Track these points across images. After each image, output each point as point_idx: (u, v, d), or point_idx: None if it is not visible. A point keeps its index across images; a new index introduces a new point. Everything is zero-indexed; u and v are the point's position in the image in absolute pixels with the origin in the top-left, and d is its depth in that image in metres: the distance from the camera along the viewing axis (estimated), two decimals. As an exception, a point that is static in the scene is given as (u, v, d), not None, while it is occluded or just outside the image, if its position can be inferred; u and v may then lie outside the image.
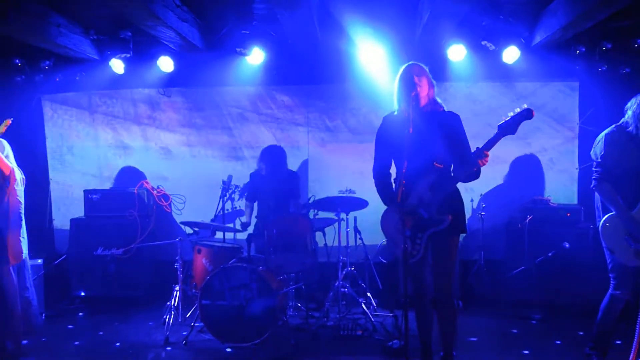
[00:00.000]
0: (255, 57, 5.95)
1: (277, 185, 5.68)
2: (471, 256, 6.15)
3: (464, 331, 4.83)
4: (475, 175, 3.52)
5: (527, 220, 5.58)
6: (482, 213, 5.89)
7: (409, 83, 3.57)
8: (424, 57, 5.77)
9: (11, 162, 4.23)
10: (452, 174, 3.53)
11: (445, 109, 3.70)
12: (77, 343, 4.87)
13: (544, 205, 5.83)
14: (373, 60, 5.88)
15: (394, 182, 3.77)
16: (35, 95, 6.86)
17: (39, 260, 5.68)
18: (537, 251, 5.52)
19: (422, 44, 5.70)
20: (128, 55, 6.00)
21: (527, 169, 6.34)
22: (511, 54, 5.75)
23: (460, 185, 3.61)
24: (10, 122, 4.11)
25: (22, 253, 4.28)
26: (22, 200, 4.28)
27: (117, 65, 6.09)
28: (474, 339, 4.75)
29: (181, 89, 6.71)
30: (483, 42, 5.71)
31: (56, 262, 6.00)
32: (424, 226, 3.55)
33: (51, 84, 6.66)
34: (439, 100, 3.70)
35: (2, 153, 4.14)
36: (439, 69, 5.25)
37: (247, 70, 6.25)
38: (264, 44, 5.88)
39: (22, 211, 4.30)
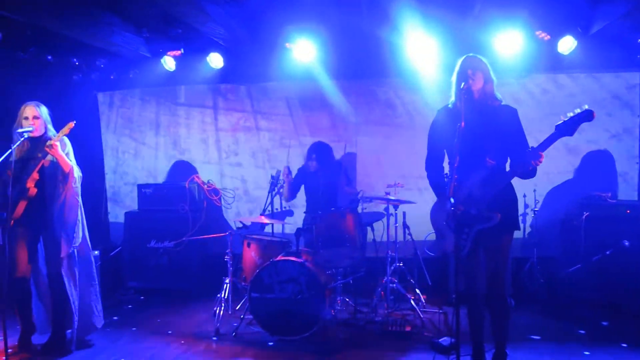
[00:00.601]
0: (304, 52, 5.95)
1: (325, 180, 5.68)
2: (524, 253, 5.98)
3: (523, 329, 4.73)
4: (532, 173, 3.42)
5: (584, 217, 5.37)
6: (535, 209, 5.72)
7: (461, 76, 3.51)
8: (475, 49, 5.70)
9: (71, 160, 4.38)
10: (507, 170, 3.44)
11: (503, 102, 3.60)
12: (134, 329, 5.05)
13: (602, 202, 5.59)
14: (422, 52, 5.79)
15: (447, 176, 3.71)
16: (91, 93, 7.13)
17: (96, 252, 5.87)
18: (594, 249, 5.31)
19: (473, 35, 5.56)
20: (179, 53, 6.11)
21: (598, 165, 6.09)
22: (566, 44, 5.54)
23: (513, 180, 3.52)
24: (74, 124, 4.25)
25: (72, 246, 4.40)
26: (80, 198, 4.42)
27: (168, 63, 6.23)
28: (537, 337, 4.62)
29: (230, 85, 6.80)
30: (537, 32, 5.52)
31: (112, 253, 6.22)
32: (472, 222, 3.48)
33: (106, 81, 6.91)
34: (497, 94, 3.60)
35: (64, 150, 4.29)
36: (490, 61, 5.12)
37: (295, 65, 6.27)
38: (313, 38, 5.87)
39: (80, 208, 4.44)
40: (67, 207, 4.35)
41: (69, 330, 4.49)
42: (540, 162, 3.29)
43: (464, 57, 3.60)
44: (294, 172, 5.93)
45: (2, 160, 3.83)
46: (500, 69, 5.76)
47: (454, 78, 3.61)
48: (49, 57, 6.11)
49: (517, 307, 5.39)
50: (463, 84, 3.44)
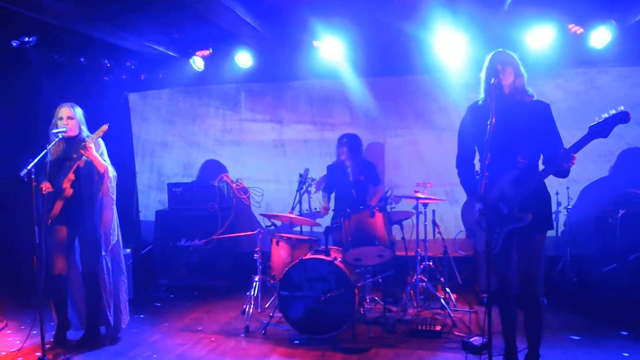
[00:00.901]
0: (331, 49, 5.93)
1: (355, 177, 5.68)
2: (557, 252, 5.87)
3: (558, 329, 4.66)
4: (565, 173, 3.35)
5: (620, 215, 5.24)
6: (569, 207, 5.59)
7: (491, 71, 3.45)
8: (505, 44, 5.60)
9: (105, 160, 4.47)
10: (541, 169, 3.38)
11: (535, 98, 3.53)
12: (165, 325, 5.12)
13: (639, 199, 5.44)
14: (451, 49, 5.71)
15: (478, 174, 3.66)
16: (122, 93, 7.24)
17: (127, 250, 6.00)
18: (630, 247, 5.17)
19: (503, 30, 5.46)
20: (208, 53, 6.15)
21: (634, 162, 5.90)
22: (600, 37, 5.39)
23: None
24: (107, 127, 4.34)
25: (110, 244, 4.51)
26: (114, 197, 4.51)
27: (197, 62, 6.29)
28: (575, 338, 4.52)
29: (258, 83, 6.83)
30: (570, 26, 5.39)
31: (143, 252, 6.31)
32: (503, 221, 3.43)
33: (136, 81, 7.02)
34: (529, 90, 3.52)
35: (98, 151, 4.38)
36: (521, 56, 5.02)
37: (322, 63, 6.25)
38: (340, 36, 5.85)
39: (114, 206, 4.53)
40: (104, 207, 4.48)
41: (103, 326, 4.61)
42: (573, 163, 3.21)
43: (493, 53, 3.54)
44: (314, 172, 5.90)
45: (38, 160, 3.92)
46: (530, 64, 5.69)
47: (483, 74, 3.55)
48: (82, 59, 6.23)
49: (550, 306, 5.30)
50: (493, 79, 3.37)
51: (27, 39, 5.33)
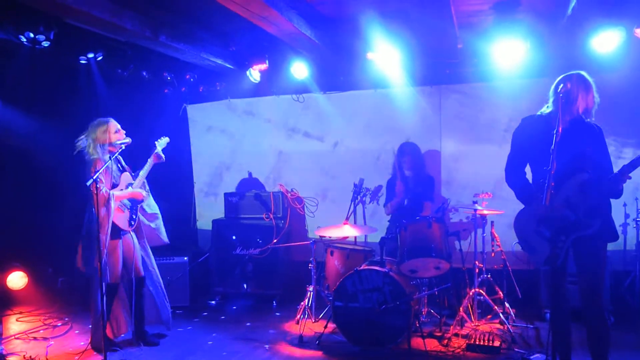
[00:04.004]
0: (387, 59, 5.89)
1: (414, 189, 5.60)
2: (625, 267, 5.57)
3: (627, 348, 4.43)
4: (619, 193, 3.32)
5: (695, 228, 4.93)
6: (638, 219, 5.31)
7: (564, 90, 3.43)
8: (568, 50, 5.42)
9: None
10: (598, 189, 3.33)
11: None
12: (219, 333, 5.20)
13: None
14: (510, 56, 5.55)
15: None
16: (181, 105, 7.46)
17: (185, 258, 6.15)
18: None
19: (567, 35, 5.27)
20: (265, 66, 6.23)
21: None
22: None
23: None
24: (168, 141, 4.51)
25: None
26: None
27: (254, 74, 6.40)
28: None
29: (313, 93, 6.86)
30: (637, 29, 5.14)
31: (200, 259, 6.44)
32: (569, 229, 3.31)
33: (195, 94, 7.21)
34: (592, 118, 3.52)
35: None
36: (585, 62, 4.84)
37: (378, 73, 6.22)
38: (395, 44, 5.80)
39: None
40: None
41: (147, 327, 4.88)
42: (625, 181, 3.24)
43: (570, 74, 3.52)
44: (380, 180, 5.86)
45: (100, 171, 4.10)
46: (596, 69, 5.48)
47: (558, 89, 3.47)
48: (144, 73, 6.46)
49: (618, 324, 5.02)
50: (562, 93, 3.38)
51: (93, 55, 5.59)
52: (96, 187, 3.97)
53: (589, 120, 3.50)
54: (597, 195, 3.31)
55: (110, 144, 4.53)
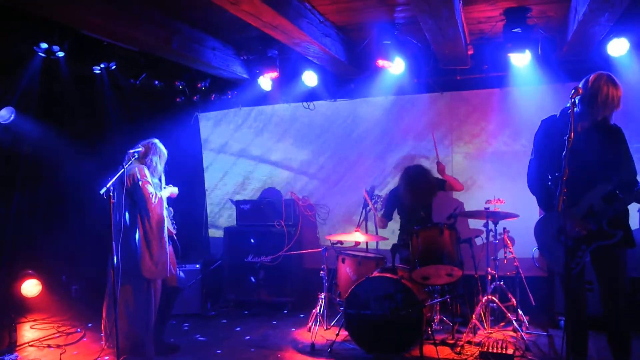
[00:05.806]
0: (396, 66, 5.90)
1: (422, 202, 5.55)
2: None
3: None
4: None
5: None
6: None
7: (594, 93, 3.35)
8: (578, 55, 5.38)
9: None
10: (623, 195, 3.29)
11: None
12: (225, 342, 5.20)
13: None
14: (520, 62, 5.53)
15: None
16: (193, 113, 7.51)
17: (197, 265, 6.18)
18: None
19: (577, 41, 5.24)
20: (276, 75, 6.26)
21: None
22: None
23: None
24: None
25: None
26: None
27: (265, 83, 6.43)
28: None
29: (325, 102, 6.88)
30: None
31: (212, 267, 6.47)
32: (591, 238, 3.28)
33: (206, 102, 7.26)
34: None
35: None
36: (597, 68, 4.80)
37: (388, 81, 6.23)
38: (405, 53, 5.81)
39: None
40: None
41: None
42: None
43: (603, 77, 3.40)
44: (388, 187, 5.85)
45: (116, 178, 4.13)
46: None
47: (589, 86, 3.40)
48: (156, 82, 6.52)
49: (637, 332, 4.94)
50: (590, 92, 3.34)
51: (107, 64, 5.66)
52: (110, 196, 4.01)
53: (609, 122, 3.44)
54: (622, 206, 3.28)
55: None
